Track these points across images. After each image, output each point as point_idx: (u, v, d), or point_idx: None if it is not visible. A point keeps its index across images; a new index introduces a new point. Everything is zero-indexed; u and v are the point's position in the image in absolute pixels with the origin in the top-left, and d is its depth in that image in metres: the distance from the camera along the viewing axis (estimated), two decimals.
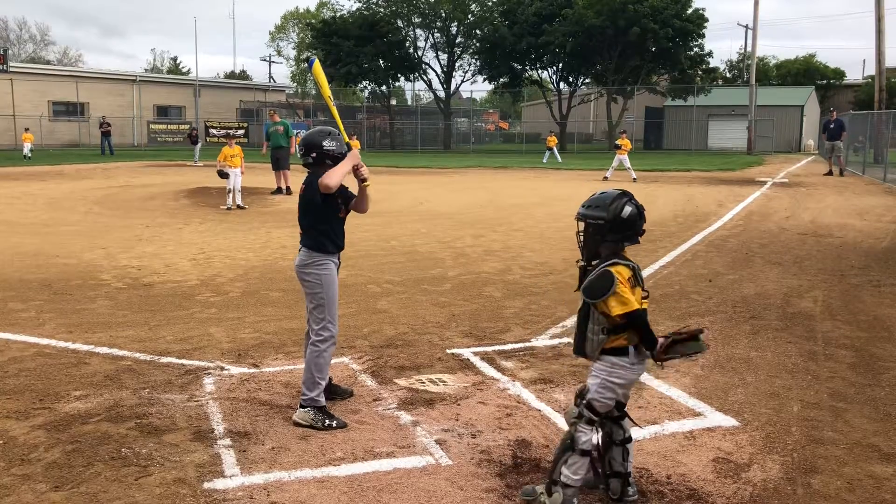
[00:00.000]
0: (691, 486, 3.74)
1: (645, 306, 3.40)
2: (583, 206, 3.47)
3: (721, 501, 3.59)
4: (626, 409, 3.55)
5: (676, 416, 4.61)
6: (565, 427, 4.41)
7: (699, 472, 3.89)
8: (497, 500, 3.59)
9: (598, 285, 3.32)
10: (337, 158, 4.51)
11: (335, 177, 4.34)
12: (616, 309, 3.30)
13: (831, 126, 26.05)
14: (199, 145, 34.45)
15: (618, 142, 25.05)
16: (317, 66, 4.90)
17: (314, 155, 4.53)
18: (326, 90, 4.90)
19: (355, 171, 4.53)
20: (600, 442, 3.51)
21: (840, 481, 3.79)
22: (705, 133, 52.00)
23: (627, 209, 3.38)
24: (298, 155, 4.73)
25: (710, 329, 6.55)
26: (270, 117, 20.18)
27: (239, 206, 15.79)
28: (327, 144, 4.54)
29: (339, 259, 4.68)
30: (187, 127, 45.33)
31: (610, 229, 3.38)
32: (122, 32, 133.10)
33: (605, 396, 3.39)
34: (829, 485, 3.75)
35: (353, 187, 4.65)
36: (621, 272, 3.32)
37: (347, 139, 4.66)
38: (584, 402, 3.43)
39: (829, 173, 25.37)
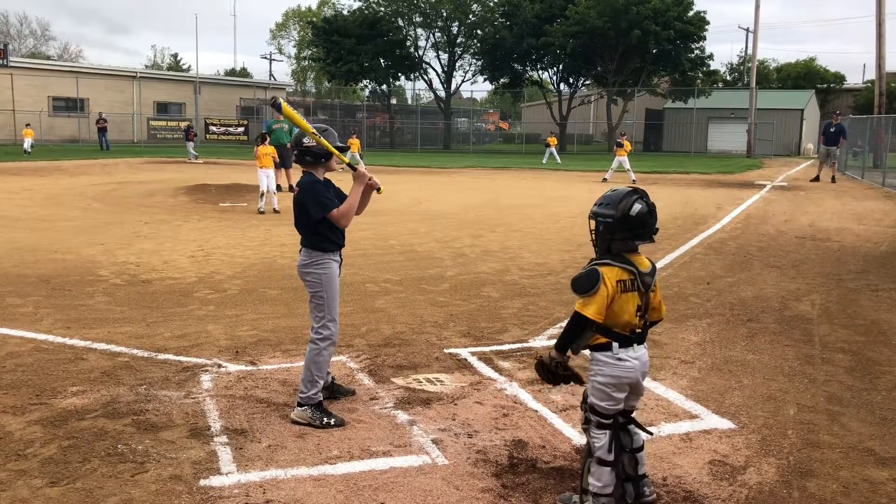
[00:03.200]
0: (687, 488, 3.75)
1: (634, 322, 3.33)
2: (595, 204, 3.43)
3: None
4: (633, 416, 3.50)
5: (673, 418, 4.62)
6: (561, 427, 4.44)
7: (695, 474, 3.90)
8: (493, 500, 3.60)
9: (583, 282, 3.29)
10: (317, 155, 4.50)
11: (350, 213, 4.45)
12: (577, 304, 3.31)
13: (831, 130, 25.30)
14: (192, 143, 34.47)
15: (620, 140, 24.92)
16: (285, 107, 4.54)
17: (296, 151, 4.55)
18: (307, 127, 4.54)
19: (369, 185, 4.54)
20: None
21: (836, 485, 3.79)
22: (705, 135, 52.05)
23: (636, 207, 3.32)
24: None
25: (708, 330, 6.56)
26: (276, 115, 20.11)
27: (275, 210, 14.64)
28: (307, 141, 4.52)
29: (340, 256, 4.66)
30: (186, 124, 45.30)
31: (619, 227, 3.32)
32: (127, 29, 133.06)
33: (598, 397, 3.37)
34: (825, 488, 3.75)
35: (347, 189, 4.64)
36: (609, 274, 3.29)
37: (346, 160, 4.55)
38: (587, 405, 3.42)
39: (817, 178, 24.55)
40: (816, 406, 4.85)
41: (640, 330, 3.37)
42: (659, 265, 9.61)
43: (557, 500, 3.56)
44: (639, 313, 3.35)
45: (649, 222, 3.36)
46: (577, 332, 3.34)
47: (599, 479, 3.36)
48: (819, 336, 6.48)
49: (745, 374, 5.47)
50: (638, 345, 3.37)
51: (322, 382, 4.54)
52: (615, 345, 3.32)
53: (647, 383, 5.15)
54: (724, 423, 4.56)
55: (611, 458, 3.36)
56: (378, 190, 4.62)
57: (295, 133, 4.62)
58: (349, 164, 4.56)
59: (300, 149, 4.53)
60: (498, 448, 4.16)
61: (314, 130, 4.49)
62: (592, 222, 3.42)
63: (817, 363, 5.73)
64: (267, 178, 14.88)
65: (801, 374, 5.46)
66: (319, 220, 4.46)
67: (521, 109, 76.74)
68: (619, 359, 3.32)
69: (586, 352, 3.44)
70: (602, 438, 3.36)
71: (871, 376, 5.46)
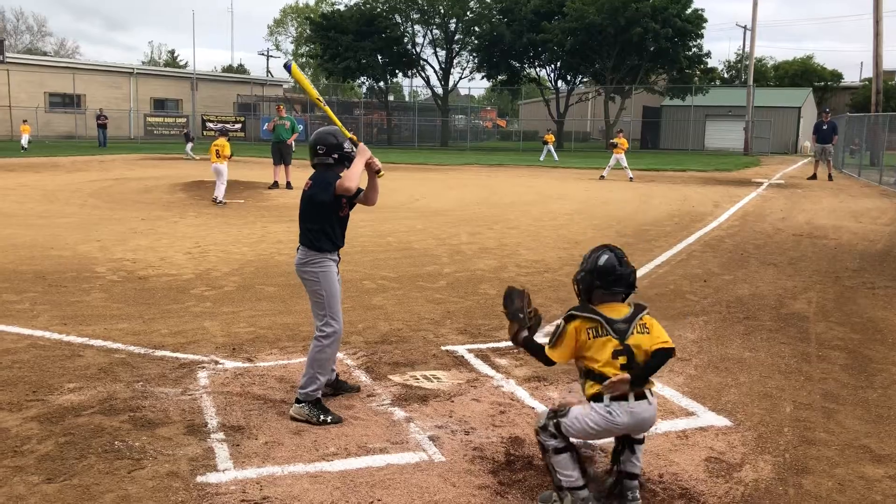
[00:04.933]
0: (683, 485, 3.75)
1: (621, 362, 3.39)
2: None
3: (713, 501, 3.60)
4: (635, 445, 3.55)
5: (669, 416, 4.63)
6: None
7: (691, 471, 3.91)
8: (490, 496, 3.60)
9: (553, 336, 3.56)
10: (352, 159, 4.58)
11: (354, 178, 4.46)
12: (551, 354, 3.56)
13: (823, 128, 25.13)
14: (190, 144, 34.23)
15: (614, 140, 24.90)
16: (295, 69, 4.82)
17: (336, 156, 4.57)
18: (313, 92, 4.85)
19: (368, 164, 4.58)
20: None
21: (831, 482, 3.80)
22: (702, 133, 52.02)
23: (603, 258, 3.55)
24: (310, 154, 4.67)
25: (705, 328, 6.57)
26: (277, 111, 20.10)
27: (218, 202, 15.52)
28: (347, 147, 4.61)
29: (338, 256, 4.68)
30: (184, 121, 45.15)
31: (590, 279, 3.55)
32: (125, 25, 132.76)
33: (576, 428, 3.42)
34: (821, 485, 3.76)
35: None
36: (573, 325, 3.48)
37: (350, 135, 4.67)
38: (555, 420, 3.46)
39: (814, 177, 24.47)
40: (812, 403, 4.87)
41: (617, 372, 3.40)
42: (656, 262, 9.65)
43: (538, 499, 3.57)
44: (619, 358, 3.39)
45: (619, 271, 3.53)
46: (540, 359, 3.65)
47: (565, 469, 3.43)
48: (815, 334, 6.49)
49: (742, 371, 5.48)
50: (636, 399, 3.38)
51: (323, 380, 4.55)
52: (606, 397, 3.37)
53: None
54: (721, 421, 4.57)
55: (563, 444, 3.45)
56: (378, 172, 4.67)
57: (323, 134, 4.61)
58: (350, 140, 4.64)
59: (342, 153, 4.58)
60: (495, 445, 4.17)
61: (319, 96, 4.80)
62: (576, 285, 3.66)
63: (813, 361, 5.75)
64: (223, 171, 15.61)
65: (797, 372, 5.47)
66: (326, 212, 4.49)
67: (518, 107, 76.70)
68: (609, 412, 3.37)
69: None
70: (550, 440, 3.47)
71: (867, 374, 5.47)
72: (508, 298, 3.80)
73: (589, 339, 3.43)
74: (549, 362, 3.60)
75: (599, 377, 3.38)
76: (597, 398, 3.39)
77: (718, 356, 5.83)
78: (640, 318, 3.48)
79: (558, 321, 3.55)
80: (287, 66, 4.92)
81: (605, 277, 3.52)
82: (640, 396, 3.38)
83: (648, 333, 3.46)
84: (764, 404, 4.84)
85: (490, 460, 3.98)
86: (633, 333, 3.43)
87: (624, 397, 3.36)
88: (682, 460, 4.03)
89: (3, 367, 5.26)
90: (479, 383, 5.16)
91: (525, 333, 3.71)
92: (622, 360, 3.39)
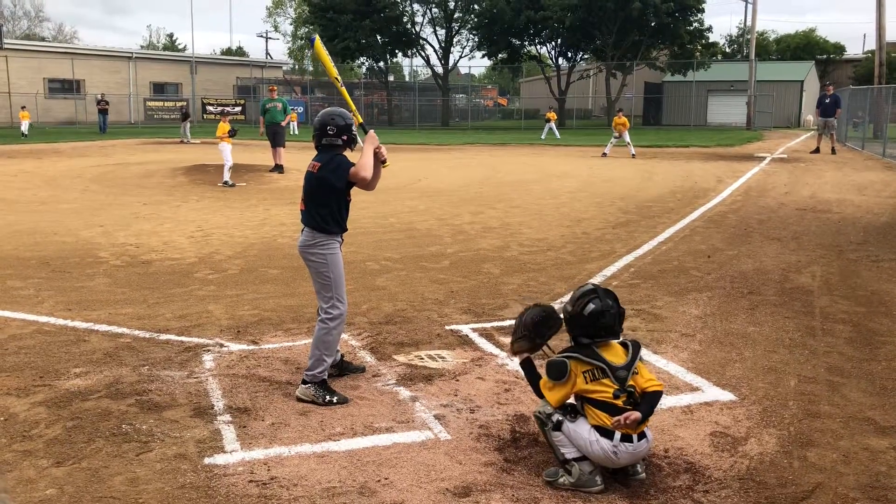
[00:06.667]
0: (688, 459, 3.77)
1: (622, 399, 3.41)
2: None
3: (718, 474, 3.61)
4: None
5: (674, 391, 4.64)
6: None
7: (696, 445, 3.92)
8: (496, 473, 3.62)
9: (554, 371, 3.50)
10: (354, 142, 4.61)
11: (369, 167, 4.49)
12: (544, 384, 3.55)
13: (826, 101, 24.94)
14: (186, 124, 33.69)
15: (615, 130, 24.29)
16: (318, 44, 4.79)
17: (345, 137, 4.57)
18: (333, 70, 4.84)
19: (375, 153, 4.58)
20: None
21: (836, 454, 3.81)
22: (704, 108, 51.76)
23: (590, 307, 3.49)
24: (316, 133, 4.60)
25: (709, 304, 6.57)
26: (270, 92, 19.94)
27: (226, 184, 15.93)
28: (354, 130, 4.62)
29: (342, 238, 4.69)
30: (183, 104, 44.88)
31: (573, 324, 3.54)
32: (125, 9, 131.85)
33: (576, 442, 3.46)
34: (825, 458, 3.78)
35: None
36: (577, 368, 3.46)
37: (359, 119, 4.67)
38: (559, 420, 3.51)
39: (817, 150, 24.22)
40: (817, 377, 4.87)
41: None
42: (659, 239, 9.64)
43: (544, 475, 3.59)
44: (619, 399, 3.42)
45: (601, 323, 3.49)
46: (533, 388, 3.68)
47: (566, 445, 3.48)
48: (820, 307, 6.49)
49: (746, 346, 5.48)
50: (639, 440, 3.44)
51: (329, 361, 4.57)
52: (617, 436, 3.40)
53: (649, 356, 5.18)
54: (725, 395, 4.58)
55: (563, 418, 3.50)
56: (383, 162, 4.67)
57: (332, 114, 4.58)
58: (360, 126, 4.65)
59: (351, 136, 4.59)
60: (500, 423, 4.18)
61: (337, 75, 4.83)
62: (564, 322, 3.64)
63: (818, 334, 5.75)
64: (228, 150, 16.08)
65: (801, 346, 5.48)
66: (335, 195, 4.50)
67: (519, 85, 76.24)
68: (615, 453, 3.41)
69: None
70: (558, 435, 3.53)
71: (872, 347, 5.48)
72: (545, 324, 3.69)
73: (587, 382, 3.45)
74: (540, 395, 3.60)
75: (608, 407, 3.40)
76: (605, 433, 3.40)
77: (723, 331, 5.83)
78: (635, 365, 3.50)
79: (554, 357, 3.54)
80: (311, 40, 4.89)
81: (587, 328, 3.51)
82: (642, 436, 3.45)
83: (638, 374, 3.52)
84: (768, 378, 4.85)
85: (496, 438, 4.00)
86: (635, 372, 3.49)
87: (629, 438, 3.39)
88: (687, 435, 4.04)
89: (9, 353, 5.29)
90: (484, 362, 5.17)
91: (528, 356, 3.74)
92: (623, 398, 3.43)
